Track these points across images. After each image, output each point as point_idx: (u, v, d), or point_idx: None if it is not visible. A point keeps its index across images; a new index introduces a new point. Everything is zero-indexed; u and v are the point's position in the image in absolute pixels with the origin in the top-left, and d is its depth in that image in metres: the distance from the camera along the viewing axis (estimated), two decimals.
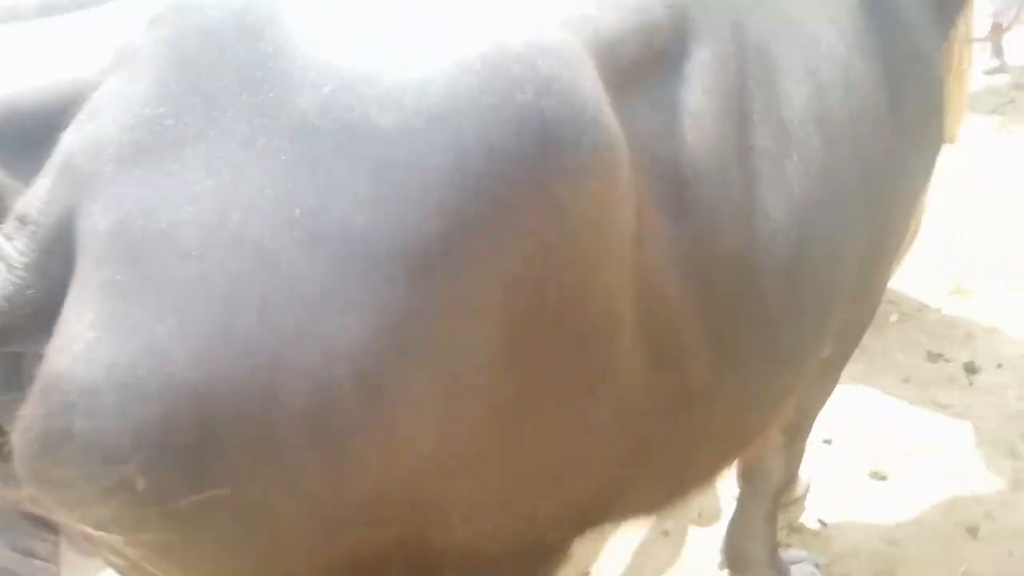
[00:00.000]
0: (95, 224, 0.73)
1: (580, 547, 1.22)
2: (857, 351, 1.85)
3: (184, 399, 0.71)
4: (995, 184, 3.99)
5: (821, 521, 2.31)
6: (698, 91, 1.04)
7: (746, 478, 1.96)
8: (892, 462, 2.49)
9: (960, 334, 3.00)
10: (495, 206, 0.76)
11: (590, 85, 0.82)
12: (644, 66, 0.98)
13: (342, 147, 0.73)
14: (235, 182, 0.72)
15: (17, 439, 0.75)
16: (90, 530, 0.74)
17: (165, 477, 0.72)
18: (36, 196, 0.76)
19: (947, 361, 2.87)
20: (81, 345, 0.72)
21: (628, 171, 0.86)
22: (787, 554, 2.16)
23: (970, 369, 2.82)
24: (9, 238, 0.77)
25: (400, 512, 0.83)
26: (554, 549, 1.13)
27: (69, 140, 0.76)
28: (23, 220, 0.76)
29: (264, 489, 0.76)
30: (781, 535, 2.24)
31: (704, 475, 1.43)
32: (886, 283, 1.77)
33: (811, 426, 1.97)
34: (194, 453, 0.72)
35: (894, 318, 3.13)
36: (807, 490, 2.38)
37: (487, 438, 0.84)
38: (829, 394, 1.90)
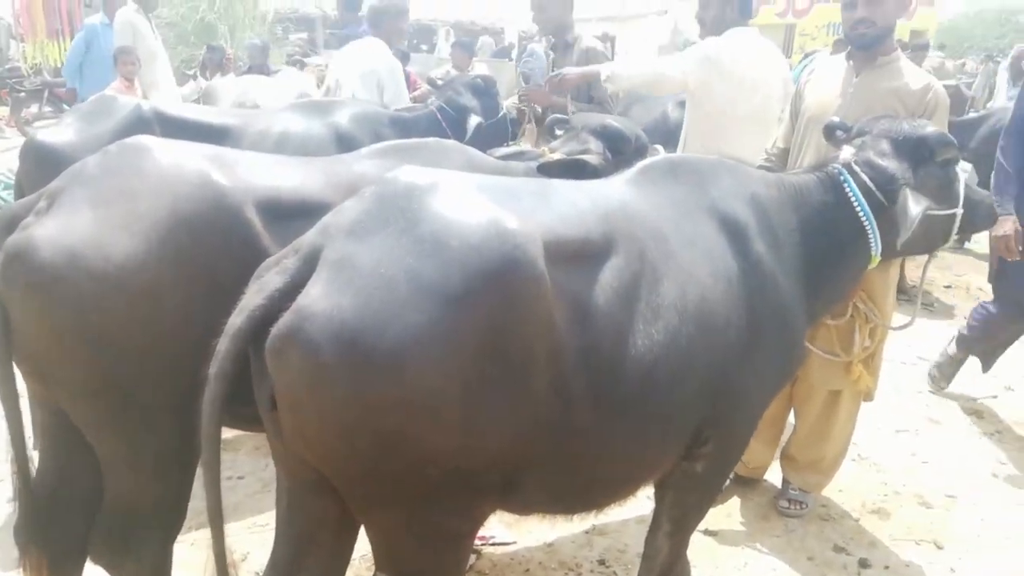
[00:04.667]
0: (327, 254, 1.86)
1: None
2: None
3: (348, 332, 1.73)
4: None
5: None
6: (609, 275, 2.11)
7: (644, 553, 2.80)
8: None
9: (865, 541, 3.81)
10: (484, 291, 1.79)
11: (535, 254, 1.87)
12: (580, 255, 2.06)
13: (437, 253, 1.79)
14: (390, 253, 1.79)
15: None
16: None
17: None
18: (303, 241, 1.93)
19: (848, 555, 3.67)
20: (308, 299, 1.82)
21: (548, 294, 1.88)
22: None
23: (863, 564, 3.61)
24: (287, 256, 1.95)
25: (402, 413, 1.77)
26: (484, 492, 2.02)
27: (324, 221, 1.93)
28: (296, 249, 1.93)
29: None
30: None
31: (600, 494, 2.37)
32: (742, 435, 2.67)
33: (694, 526, 2.83)
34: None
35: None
36: None
37: (454, 394, 1.80)
38: (705, 505, 2.78)
